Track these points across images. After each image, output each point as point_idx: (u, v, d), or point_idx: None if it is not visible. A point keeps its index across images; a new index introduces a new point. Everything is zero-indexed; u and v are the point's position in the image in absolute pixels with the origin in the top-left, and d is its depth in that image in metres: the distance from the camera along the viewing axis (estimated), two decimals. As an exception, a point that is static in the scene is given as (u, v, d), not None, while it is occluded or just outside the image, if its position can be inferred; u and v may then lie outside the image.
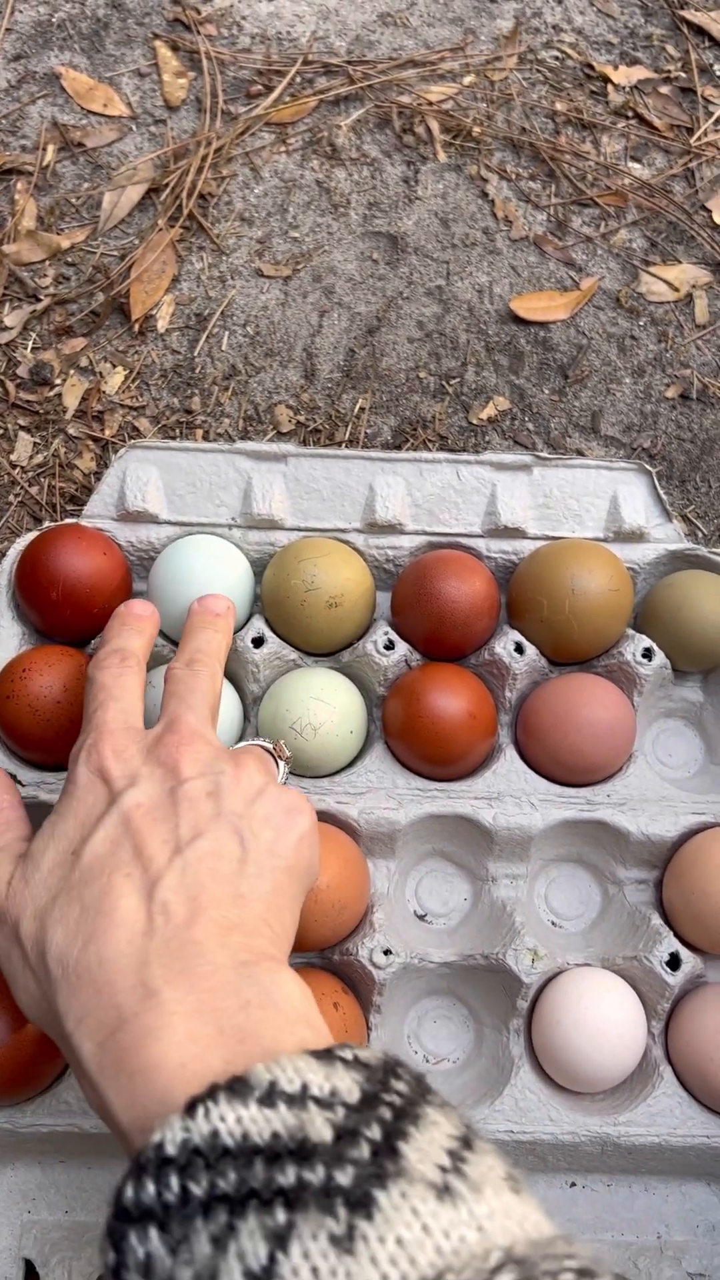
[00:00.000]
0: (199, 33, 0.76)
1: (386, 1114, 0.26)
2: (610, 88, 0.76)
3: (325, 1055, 0.28)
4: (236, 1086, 0.27)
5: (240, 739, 0.54)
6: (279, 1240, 0.23)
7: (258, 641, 0.53)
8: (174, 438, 0.63)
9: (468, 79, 0.76)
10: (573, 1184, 0.50)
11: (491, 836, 0.51)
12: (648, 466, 0.58)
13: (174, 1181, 0.25)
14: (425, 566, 0.53)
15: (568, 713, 0.52)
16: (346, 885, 0.47)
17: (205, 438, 0.63)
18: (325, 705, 0.51)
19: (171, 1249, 0.24)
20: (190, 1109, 0.26)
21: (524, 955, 0.48)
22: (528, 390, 0.66)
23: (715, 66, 0.77)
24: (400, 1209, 0.23)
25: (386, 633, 0.53)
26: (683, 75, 0.77)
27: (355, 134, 0.73)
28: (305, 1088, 0.26)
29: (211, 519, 0.56)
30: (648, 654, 0.54)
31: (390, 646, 0.53)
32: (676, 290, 0.69)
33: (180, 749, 0.39)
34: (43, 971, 0.34)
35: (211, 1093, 0.27)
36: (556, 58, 0.77)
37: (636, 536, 0.57)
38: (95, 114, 0.72)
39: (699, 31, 0.78)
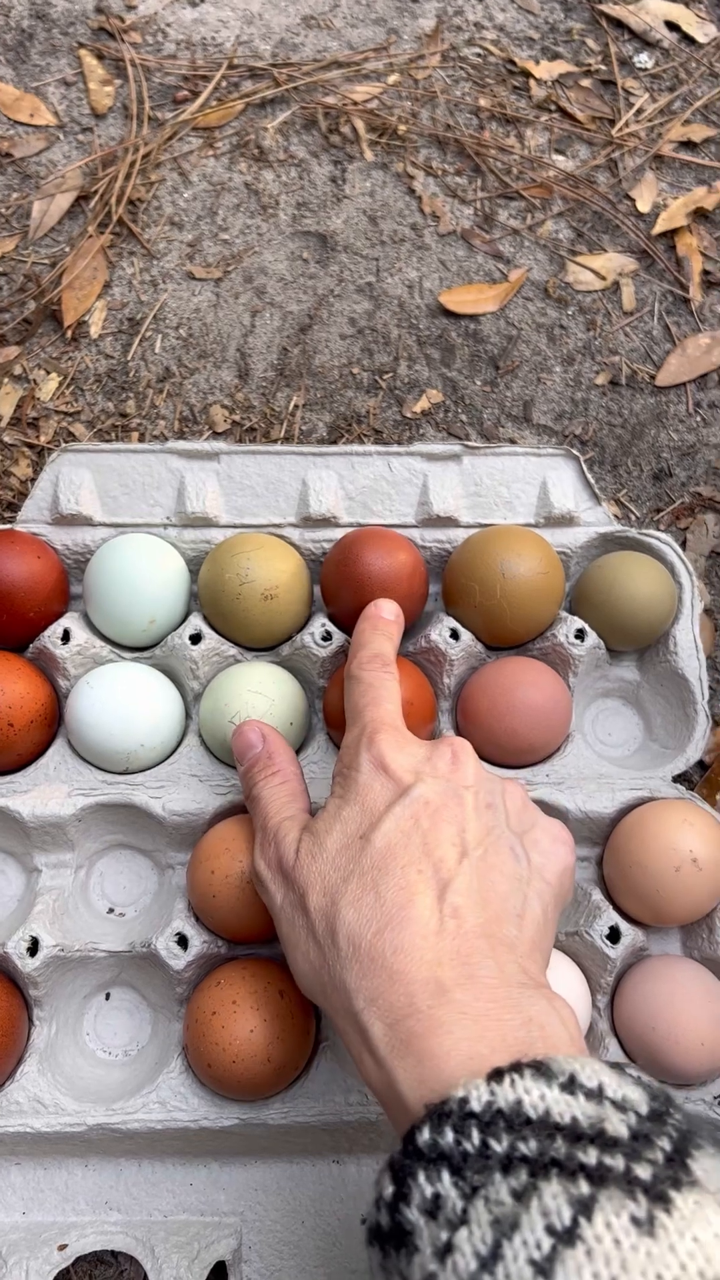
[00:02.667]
0: (124, 41, 0.76)
1: (674, 1132, 0.27)
2: (532, 82, 0.77)
3: (617, 1067, 0.30)
4: (541, 1068, 0.29)
5: (182, 737, 0.54)
6: (583, 1207, 0.25)
7: (195, 638, 0.53)
8: (110, 442, 0.63)
9: (392, 78, 0.76)
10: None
11: (433, 821, 0.52)
12: (575, 452, 0.59)
13: (475, 1134, 0.28)
14: (348, 543, 0.54)
15: (503, 696, 0.53)
16: (288, 874, 0.48)
17: (141, 440, 0.63)
18: (263, 698, 0.51)
19: (465, 1193, 0.27)
20: (496, 1076, 0.29)
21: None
22: (460, 382, 0.67)
23: (635, 59, 0.78)
24: (697, 1214, 0.25)
25: (324, 624, 0.54)
26: (603, 68, 0.78)
27: (282, 136, 0.74)
28: (602, 1087, 0.29)
29: (146, 519, 0.57)
30: (580, 635, 0.54)
31: (328, 638, 0.54)
32: (603, 279, 0.70)
33: (460, 755, 0.42)
34: (330, 945, 0.37)
35: (517, 1067, 0.29)
36: (479, 54, 0.78)
37: (567, 521, 0.58)
38: (22, 124, 0.73)
39: (618, 25, 0.79)
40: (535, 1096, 0.28)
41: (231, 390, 0.66)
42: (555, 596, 0.54)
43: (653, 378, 0.67)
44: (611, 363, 0.68)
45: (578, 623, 0.54)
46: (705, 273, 0.71)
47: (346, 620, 0.54)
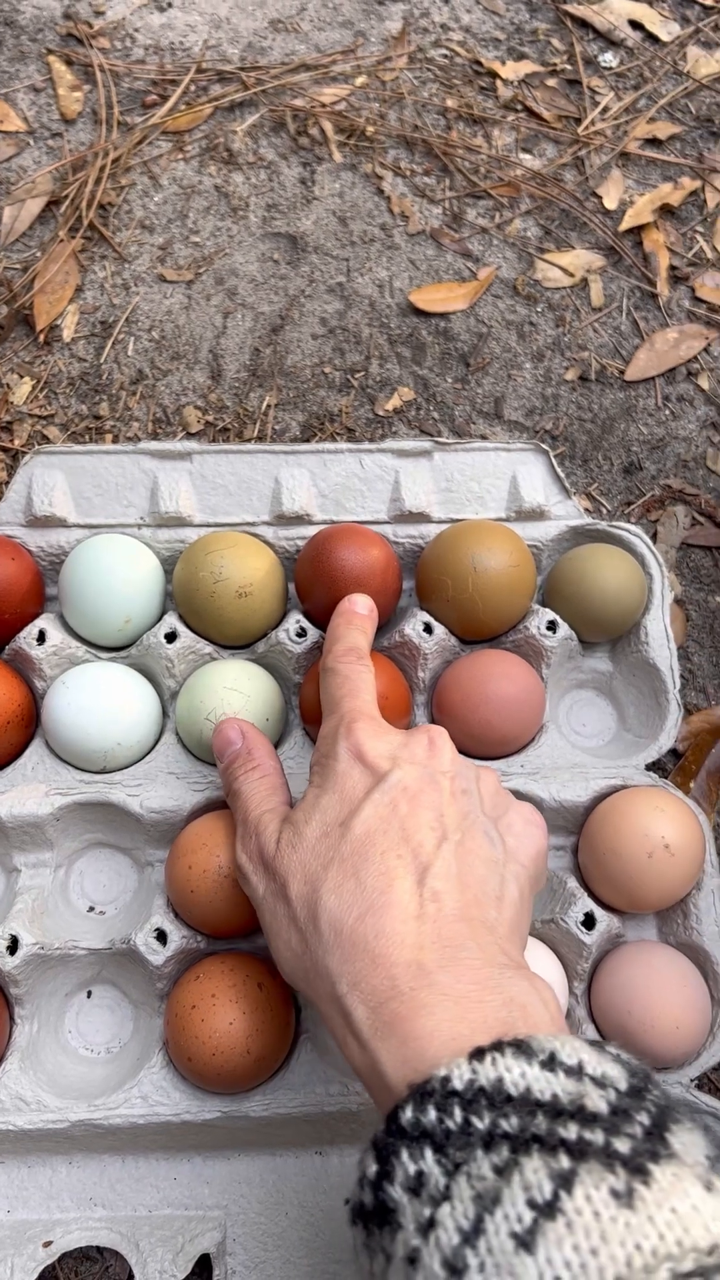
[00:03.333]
0: (92, 46, 0.77)
1: (652, 1107, 0.28)
2: (499, 82, 0.77)
3: (596, 1045, 0.31)
4: (522, 1046, 0.30)
5: (159, 736, 0.54)
6: (564, 1180, 0.26)
7: (170, 636, 0.54)
8: (84, 444, 0.63)
9: (359, 80, 0.77)
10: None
11: (409, 813, 0.52)
12: (544, 446, 0.60)
13: (457, 1112, 0.29)
14: (320, 540, 0.54)
15: (477, 688, 0.53)
16: (265, 867, 0.48)
17: (115, 442, 0.64)
18: (239, 694, 0.52)
19: (448, 1170, 0.28)
20: (478, 1055, 0.30)
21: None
22: (431, 380, 0.67)
23: (599, 58, 0.79)
24: (674, 1186, 0.25)
25: (298, 620, 0.54)
26: (568, 68, 0.78)
27: (251, 138, 0.74)
28: (581, 1064, 0.29)
29: (120, 520, 0.57)
30: (552, 626, 0.55)
31: (302, 634, 0.54)
32: (571, 276, 0.71)
33: (436, 742, 0.42)
34: (312, 932, 0.37)
35: (498, 1046, 0.30)
36: (445, 56, 0.79)
37: (537, 515, 0.58)
38: (-9, 130, 0.73)
39: (582, 24, 0.80)
40: (516, 1074, 0.29)
41: (204, 391, 0.66)
42: (527, 589, 0.55)
43: (622, 372, 0.68)
44: (581, 358, 0.69)
45: (549, 615, 0.55)
46: (672, 268, 0.72)
47: (321, 617, 0.55)
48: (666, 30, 0.80)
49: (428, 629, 0.55)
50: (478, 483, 0.59)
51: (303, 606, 0.55)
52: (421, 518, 0.58)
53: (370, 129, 0.75)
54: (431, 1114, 0.29)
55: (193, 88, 0.76)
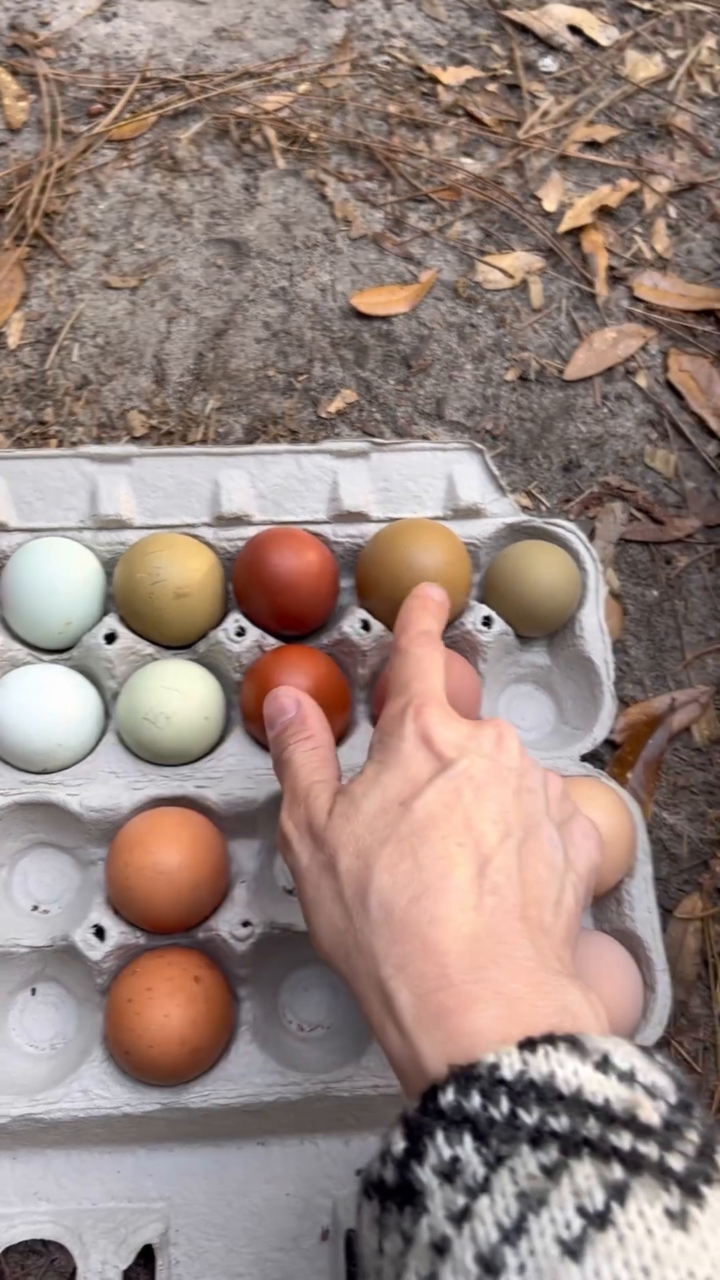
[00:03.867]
0: (37, 56, 0.78)
1: (700, 1125, 0.27)
2: (440, 88, 0.79)
3: (646, 1052, 0.30)
4: (575, 1043, 0.29)
5: (101, 736, 0.55)
6: (617, 1192, 0.25)
7: (110, 638, 0.54)
8: (25, 449, 0.64)
9: (303, 87, 0.78)
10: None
11: (347, 807, 0.53)
12: (479, 446, 0.61)
13: (504, 1102, 0.27)
14: (256, 543, 0.55)
15: (412, 683, 0.54)
16: (201, 865, 0.49)
17: (59, 447, 0.64)
18: (177, 694, 0.53)
19: (489, 1161, 0.26)
20: (529, 1046, 0.28)
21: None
22: (373, 382, 0.68)
23: (539, 63, 0.80)
24: None
25: (237, 620, 0.55)
26: (509, 73, 0.80)
27: (195, 146, 0.75)
28: (634, 1071, 0.28)
29: (61, 523, 0.58)
30: (487, 622, 0.56)
31: (241, 633, 0.55)
32: (511, 277, 0.72)
33: (505, 737, 0.41)
34: (359, 909, 0.35)
35: (550, 1039, 0.29)
36: (387, 62, 0.80)
37: (474, 513, 0.59)
38: (-64, 140, 0.74)
39: (522, 30, 0.81)
40: (569, 1071, 0.28)
41: (149, 395, 0.67)
42: (463, 586, 0.56)
43: (561, 372, 0.69)
44: (521, 359, 0.70)
45: (484, 610, 0.56)
46: (610, 268, 0.73)
47: (257, 620, 0.55)
48: (605, 35, 0.82)
49: (365, 626, 0.55)
50: (415, 482, 0.60)
51: (240, 609, 0.56)
52: (360, 517, 0.59)
53: (313, 135, 0.75)
54: (475, 1100, 0.28)
55: (137, 96, 0.77)
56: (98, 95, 0.77)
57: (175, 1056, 0.46)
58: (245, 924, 0.50)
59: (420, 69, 0.79)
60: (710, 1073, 0.54)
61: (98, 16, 0.80)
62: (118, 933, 0.49)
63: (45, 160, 0.73)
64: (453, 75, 0.79)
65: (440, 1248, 0.26)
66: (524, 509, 0.64)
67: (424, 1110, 0.29)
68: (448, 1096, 0.28)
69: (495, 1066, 0.28)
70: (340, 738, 0.55)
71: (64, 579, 0.55)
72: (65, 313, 0.69)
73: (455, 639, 0.57)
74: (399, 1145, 0.29)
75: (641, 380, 0.70)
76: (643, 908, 0.52)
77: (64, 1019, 0.52)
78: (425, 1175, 0.27)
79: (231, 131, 0.76)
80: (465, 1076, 0.28)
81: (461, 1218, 0.26)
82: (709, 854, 0.59)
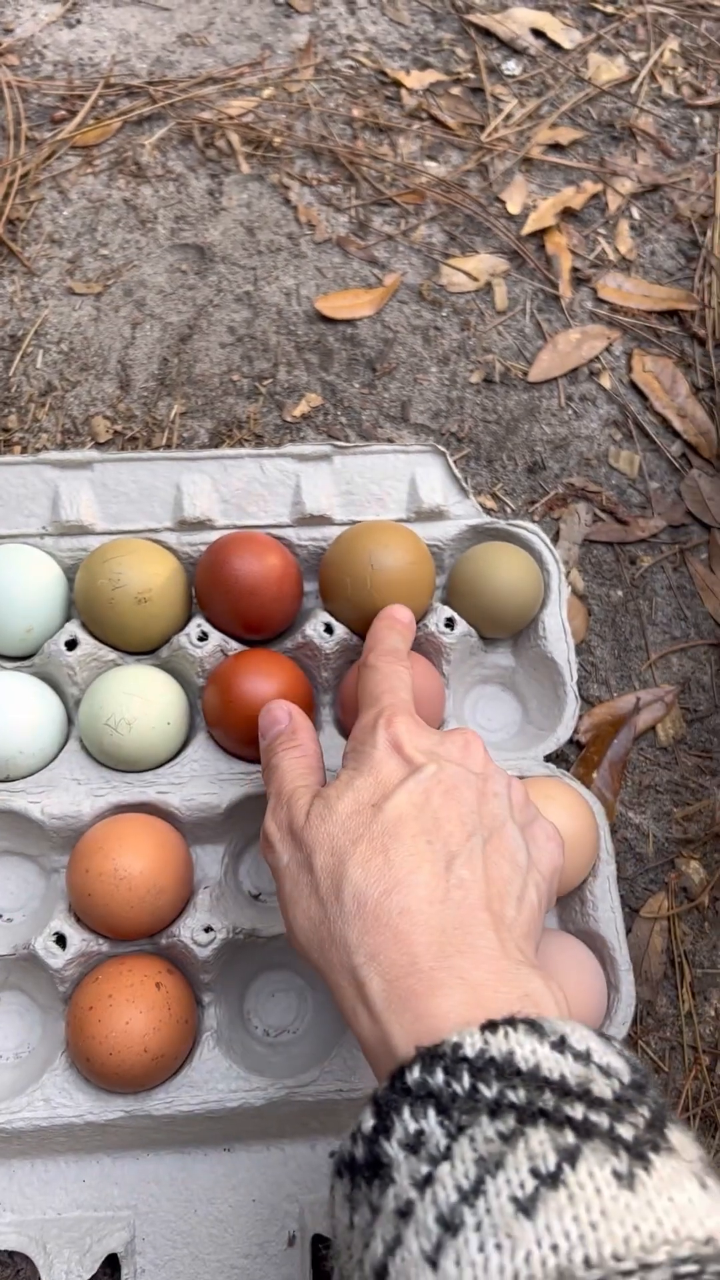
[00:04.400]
0: (0, 63, 0.77)
1: (652, 1103, 0.29)
2: (404, 92, 0.79)
3: (604, 1037, 0.32)
4: (534, 1025, 0.31)
5: (64, 742, 0.55)
6: (568, 1155, 0.27)
7: (71, 644, 0.54)
8: (-10, 456, 0.64)
9: (267, 92, 0.78)
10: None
11: (311, 811, 0.53)
12: (441, 448, 0.61)
13: (466, 1078, 0.29)
14: (217, 548, 0.55)
15: (375, 686, 0.54)
16: (163, 871, 0.49)
17: (23, 454, 0.64)
18: (139, 699, 0.52)
19: (450, 1132, 0.28)
20: (490, 1027, 0.30)
21: (341, 919, 0.50)
22: (338, 385, 0.68)
23: (503, 66, 0.81)
24: (673, 1178, 0.26)
25: (199, 624, 0.55)
26: (472, 76, 0.80)
27: (160, 151, 0.75)
28: (589, 1051, 0.30)
29: (22, 530, 0.57)
30: (450, 623, 0.56)
31: (204, 638, 0.55)
32: (476, 280, 0.72)
33: (471, 744, 0.43)
34: (334, 903, 0.38)
35: (511, 1021, 0.31)
36: (351, 67, 0.80)
37: (437, 515, 0.59)
38: None
39: (485, 33, 0.82)
40: (527, 1050, 0.30)
41: (113, 401, 0.67)
42: (425, 587, 0.56)
43: (525, 374, 0.69)
44: (485, 361, 0.70)
45: (447, 612, 0.56)
46: (574, 270, 0.73)
47: (220, 624, 0.55)
48: (568, 38, 0.82)
49: (328, 629, 0.55)
50: (378, 485, 0.60)
51: (203, 614, 0.56)
52: (323, 520, 0.59)
53: (277, 140, 0.76)
54: (439, 1077, 0.30)
55: (101, 103, 0.77)
56: (62, 102, 0.77)
57: (137, 1063, 0.46)
58: (208, 929, 0.49)
59: (384, 73, 0.80)
60: (677, 1071, 0.54)
61: (61, 23, 0.80)
62: (79, 940, 0.49)
63: (9, 167, 0.73)
64: (416, 79, 0.79)
65: (404, 1212, 0.28)
66: (489, 511, 0.64)
67: (392, 1089, 0.30)
68: (414, 1074, 0.30)
69: (458, 1045, 0.30)
70: (304, 741, 0.55)
71: (24, 585, 0.54)
72: (29, 319, 0.69)
73: (419, 641, 0.57)
74: (368, 1123, 0.30)
75: (606, 381, 0.70)
76: (606, 907, 0.52)
77: (28, 1028, 0.52)
78: (392, 1149, 0.29)
79: (195, 137, 0.76)
80: (430, 1055, 0.30)
81: (424, 1184, 0.28)
82: (674, 853, 0.59)
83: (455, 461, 0.63)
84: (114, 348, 0.68)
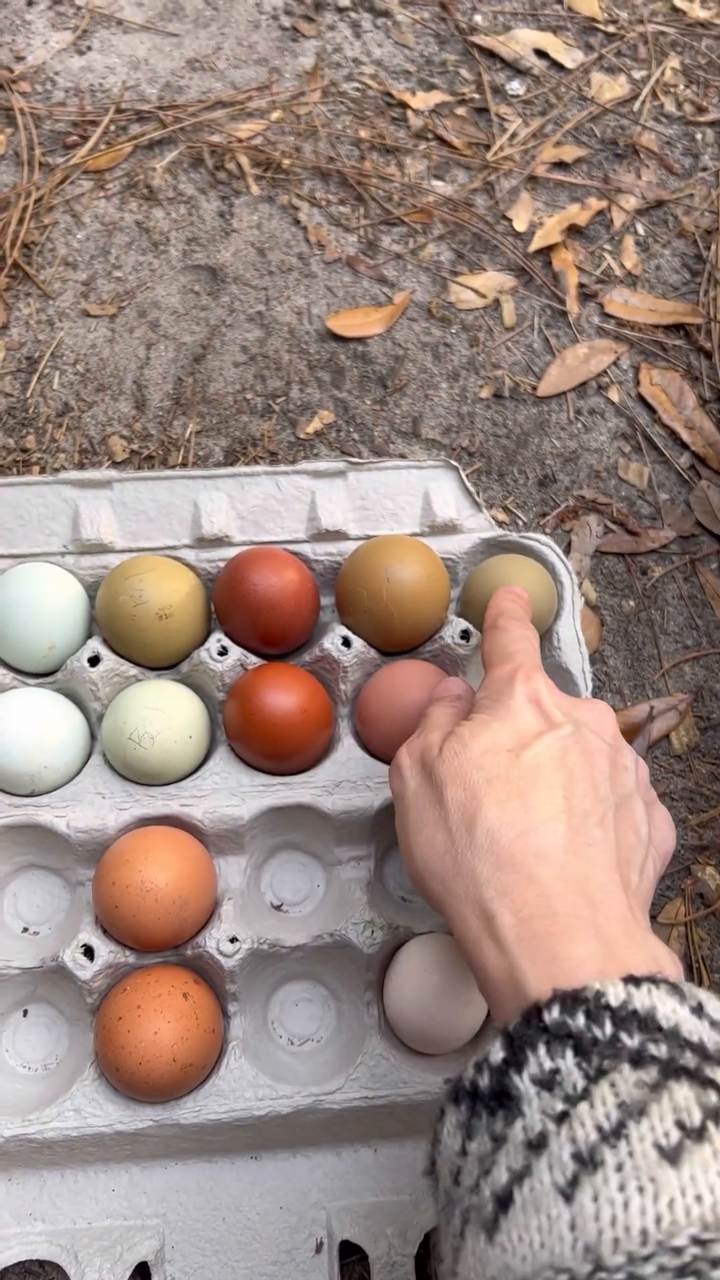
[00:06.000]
0: (13, 90, 0.79)
1: None
2: (410, 113, 0.80)
3: None
4: (674, 987, 0.31)
5: (88, 757, 0.56)
6: (713, 1115, 0.27)
7: (94, 660, 0.55)
8: (7, 476, 0.65)
9: (275, 115, 0.79)
10: (438, 1143, 0.52)
11: (333, 821, 0.54)
12: (454, 463, 0.62)
13: (608, 1025, 0.30)
14: (236, 563, 0.56)
15: (393, 698, 0.55)
16: (188, 882, 0.49)
17: (42, 474, 0.65)
18: (160, 713, 0.53)
19: (589, 1075, 0.29)
20: (633, 982, 0.31)
21: (363, 928, 0.51)
22: (350, 402, 0.69)
23: (507, 86, 0.82)
24: None
25: (219, 639, 0.56)
26: (476, 96, 0.81)
27: (170, 175, 0.76)
28: None
29: (44, 549, 0.58)
30: (465, 635, 0.57)
31: (224, 652, 0.56)
32: (484, 297, 0.73)
33: (606, 715, 0.44)
34: (464, 836, 0.38)
35: (653, 980, 0.31)
36: (358, 89, 0.81)
37: (450, 528, 0.60)
38: None
39: (489, 54, 0.83)
40: (668, 1009, 0.30)
41: (129, 421, 0.68)
42: (440, 600, 0.57)
43: (534, 389, 0.70)
44: (495, 376, 0.71)
45: (462, 624, 0.57)
46: (581, 285, 0.74)
47: (238, 639, 0.56)
48: (571, 57, 0.83)
49: (346, 643, 0.56)
50: (392, 500, 0.61)
51: (222, 629, 0.57)
52: (338, 535, 0.60)
53: (286, 161, 0.77)
54: (580, 1020, 0.30)
55: (112, 127, 0.78)
56: (73, 127, 0.78)
57: (165, 1073, 0.46)
58: (233, 940, 0.50)
59: (390, 94, 0.81)
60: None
61: (72, 50, 0.81)
62: (106, 951, 0.50)
63: (23, 192, 0.74)
64: (422, 100, 0.81)
65: (535, 1145, 0.28)
66: (500, 524, 0.65)
67: (526, 1025, 0.31)
68: (553, 1014, 0.31)
69: (601, 994, 0.31)
70: (324, 753, 0.56)
71: (47, 604, 0.55)
72: (45, 341, 0.70)
73: (436, 653, 0.57)
74: (498, 1055, 0.31)
75: (614, 395, 0.71)
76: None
77: (56, 1039, 0.53)
78: (523, 1083, 0.30)
79: (206, 160, 0.77)
80: (571, 998, 0.31)
81: (559, 1120, 0.28)
82: (690, 860, 0.59)
83: (467, 476, 0.64)
84: (129, 368, 0.69)
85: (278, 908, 0.56)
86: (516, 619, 0.48)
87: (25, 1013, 0.53)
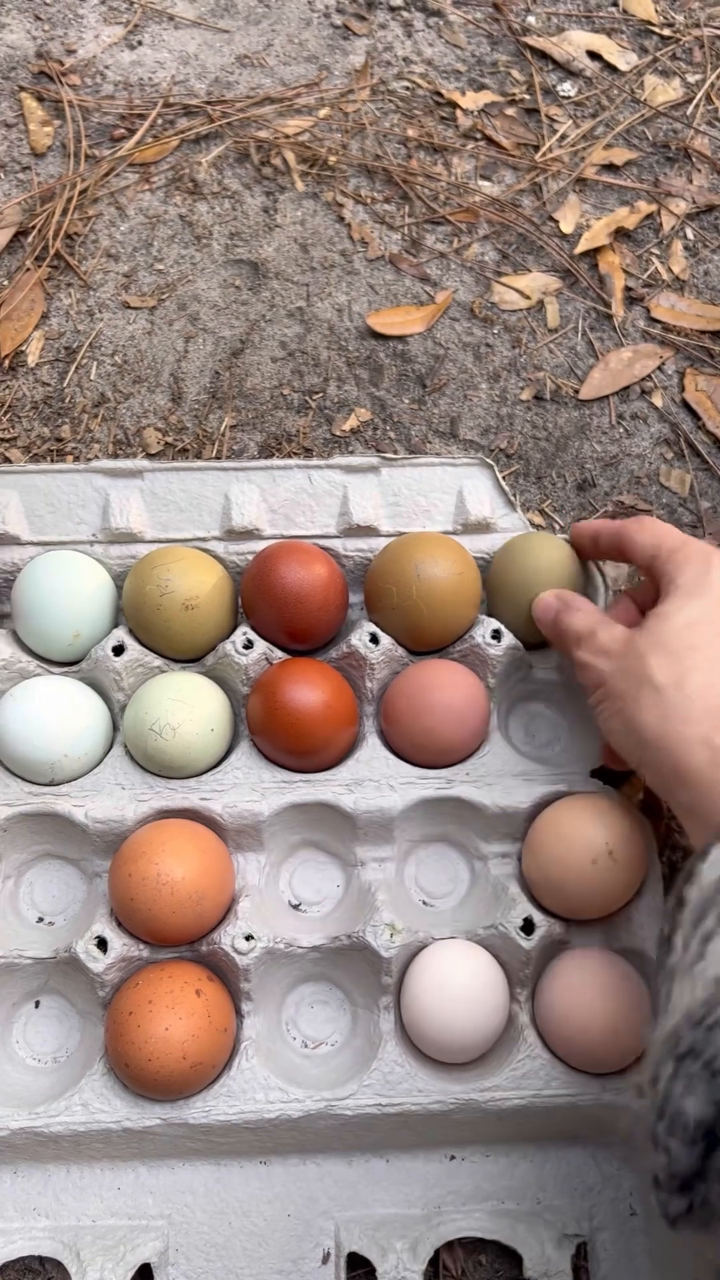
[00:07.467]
0: (63, 83, 0.79)
1: None
2: (459, 112, 0.79)
3: None
4: None
5: (110, 747, 0.55)
6: None
7: (118, 650, 0.55)
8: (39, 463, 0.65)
9: (323, 112, 0.79)
10: (451, 1157, 0.51)
11: (354, 821, 0.53)
12: (489, 461, 0.61)
13: None
14: (264, 557, 0.55)
15: (420, 697, 0.54)
16: (204, 876, 0.49)
17: (75, 463, 0.65)
18: (183, 705, 0.53)
19: None
20: None
21: (382, 931, 0.49)
22: (388, 401, 0.68)
23: (558, 87, 0.81)
24: None
25: (245, 632, 0.55)
26: (527, 97, 0.80)
27: (216, 169, 0.76)
28: None
29: (73, 536, 0.58)
30: (496, 635, 0.55)
31: (249, 645, 0.55)
32: (528, 298, 0.72)
33: None
34: (676, 691, 0.43)
35: None
36: (407, 88, 0.80)
37: (483, 527, 0.59)
38: (-38, 164, 0.75)
39: (541, 55, 0.82)
40: None
41: (165, 413, 0.67)
42: (471, 598, 0.56)
43: (576, 392, 0.69)
44: (536, 378, 0.70)
45: (493, 624, 0.56)
46: (627, 289, 0.73)
47: (265, 632, 0.55)
48: (624, 60, 0.82)
49: (374, 639, 0.55)
50: (425, 497, 0.60)
51: (249, 621, 0.56)
52: (370, 531, 0.59)
53: (332, 159, 0.76)
54: None
55: (160, 121, 0.78)
56: (121, 120, 0.78)
57: (175, 1070, 0.45)
58: (249, 937, 0.49)
59: (439, 94, 0.80)
60: None
61: (123, 44, 0.81)
62: (120, 944, 0.49)
63: (69, 183, 0.74)
64: (471, 100, 0.80)
65: None
66: (537, 527, 0.64)
67: None
68: None
69: None
70: (347, 751, 0.55)
71: (73, 592, 0.55)
72: (84, 332, 0.70)
73: (465, 653, 0.56)
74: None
75: (657, 400, 0.69)
76: (652, 925, 0.51)
77: (66, 1032, 0.52)
78: None
79: (252, 155, 0.77)
80: None
81: None
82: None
83: (504, 477, 0.63)
84: (167, 361, 0.69)
85: (296, 907, 0.55)
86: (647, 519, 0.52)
87: (37, 1004, 0.52)
